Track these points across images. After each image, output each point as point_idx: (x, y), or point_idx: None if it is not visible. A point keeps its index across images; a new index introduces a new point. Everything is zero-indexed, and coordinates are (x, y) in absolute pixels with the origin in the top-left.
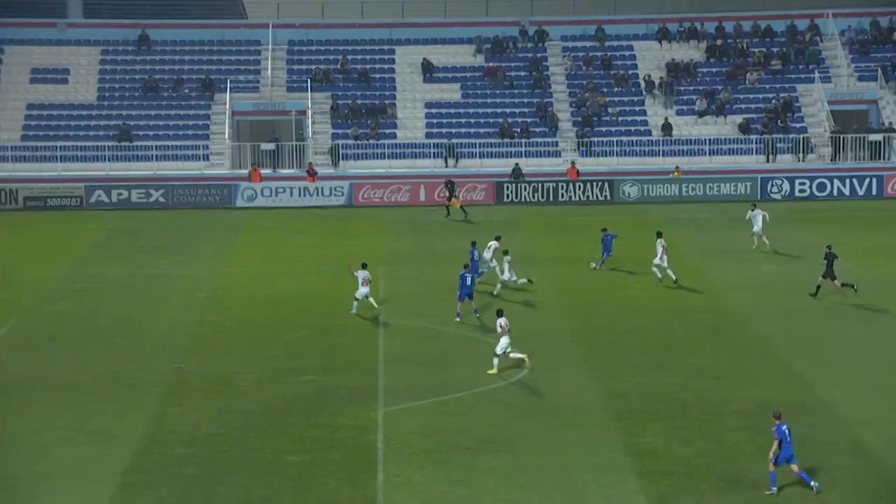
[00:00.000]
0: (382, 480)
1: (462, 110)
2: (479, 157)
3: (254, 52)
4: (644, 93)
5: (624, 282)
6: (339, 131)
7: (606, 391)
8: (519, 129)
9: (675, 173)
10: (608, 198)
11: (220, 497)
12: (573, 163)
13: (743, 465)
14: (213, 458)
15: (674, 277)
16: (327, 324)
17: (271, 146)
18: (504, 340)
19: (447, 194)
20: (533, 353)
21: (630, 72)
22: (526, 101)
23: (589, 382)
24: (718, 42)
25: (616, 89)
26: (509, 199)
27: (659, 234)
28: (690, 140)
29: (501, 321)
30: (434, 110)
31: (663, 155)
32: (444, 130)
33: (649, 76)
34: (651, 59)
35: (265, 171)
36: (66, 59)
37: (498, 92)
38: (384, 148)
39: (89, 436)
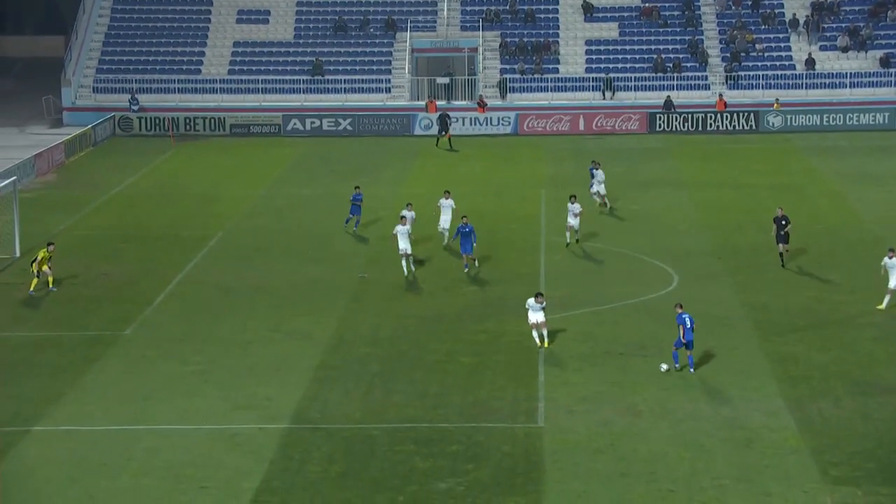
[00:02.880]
0: (543, 380)
1: (619, 47)
2: (634, 90)
3: None
4: (789, 30)
5: (766, 203)
6: (507, 66)
7: (748, 303)
8: (671, 65)
9: (776, 105)
10: (753, 127)
11: (399, 392)
12: (721, 95)
13: (877, 372)
14: (393, 357)
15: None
16: (494, 240)
17: (446, 80)
18: None
19: (440, 128)
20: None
21: (777, 10)
22: (678, 38)
23: (732, 295)
24: None
25: (763, 27)
26: (661, 129)
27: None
28: (832, 74)
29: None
30: (593, 47)
31: (806, 88)
32: (602, 66)
33: (795, 15)
34: None
35: (440, 103)
36: (267, 1)
37: (653, 30)
38: (547, 82)
39: (286, 335)
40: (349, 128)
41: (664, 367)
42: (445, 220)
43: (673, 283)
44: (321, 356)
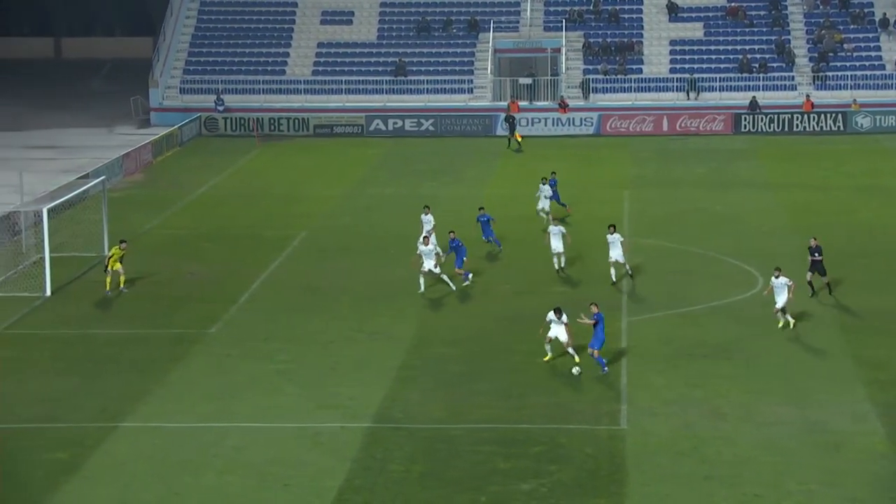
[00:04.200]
0: (626, 382)
1: (704, 47)
2: (719, 90)
3: None
4: (879, 30)
5: (853, 206)
6: (590, 67)
7: (836, 306)
8: (757, 65)
9: (854, 106)
10: (841, 128)
11: (480, 392)
12: (808, 96)
13: None
14: (474, 358)
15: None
16: (576, 241)
17: (528, 80)
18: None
19: (508, 128)
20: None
21: (866, 10)
22: (765, 38)
23: (819, 299)
24: None
25: (852, 26)
26: (746, 130)
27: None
28: None
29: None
30: (678, 47)
31: None
32: (686, 66)
33: (885, 14)
34: None
35: (522, 103)
36: (351, 2)
37: (738, 30)
38: (631, 82)
39: (368, 335)
40: (431, 128)
41: (576, 370)
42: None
43: (757, 284)
44: (403, 356)
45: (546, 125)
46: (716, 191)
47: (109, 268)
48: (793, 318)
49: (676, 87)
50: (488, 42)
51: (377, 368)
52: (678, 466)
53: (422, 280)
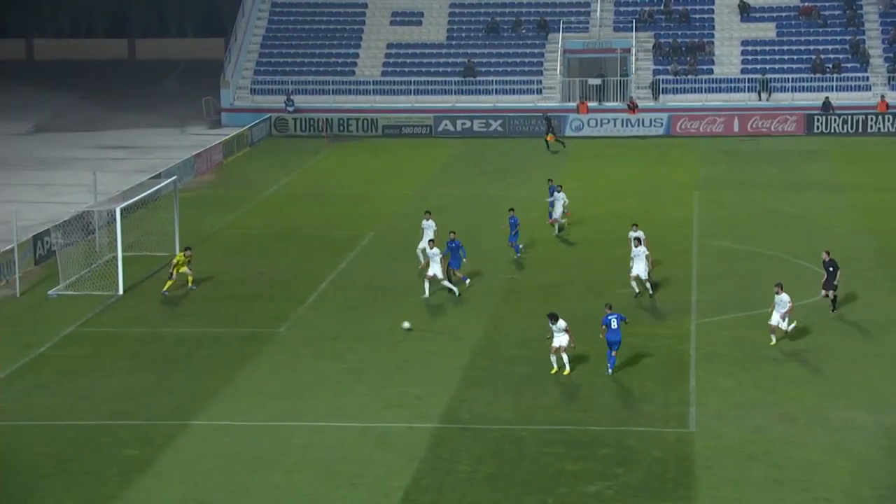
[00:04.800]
0: (695, 385)
1: (776, 47)
2: (791, 91)
3: None
4: None
5: None
6: (660, 67)
7: None
8: (830, 65)
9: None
10: None
11: (548, 394)
12: (883, 96)
13: None
14: (541, 359)
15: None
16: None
17: (598, 81)
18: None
19: (546, 129)
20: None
21: None
22: (838, 38)
23: (892, 300)
24: None
25: None
26: (819, 131)
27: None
28: None
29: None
30: (749, 47)
31: None
32: (758, 66)
33: None
34: None
35: (591, 104)
36: (421, 3)
37: (811, 30)
38: (701, 83)
39: (435, 335)
40: (500, 129)
41: (406, 324)
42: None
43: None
44: (470, 356)
45: (615, 126)
46: (787, 192)
47: (174, 271)
48: (783, 334)
49: (748, 87)
50: (558, 42)
51: (445, 369)
52: (748, 470)
53: (427, 285)
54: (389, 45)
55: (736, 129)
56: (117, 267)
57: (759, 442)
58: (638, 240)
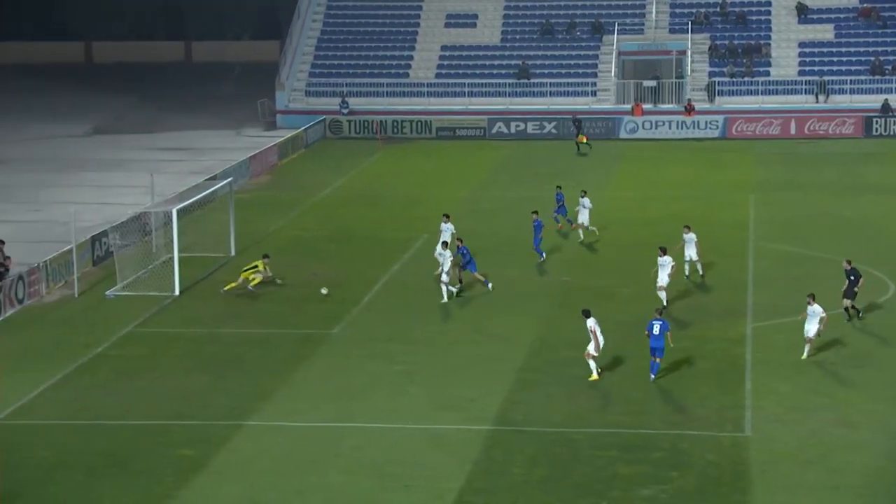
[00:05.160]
0: (750, 388)
1: (834, 49)
2: (850, 93)
3: None
4: None
5: None
6: (716, 69)
7: None
8: (890, 67)
9: None
10: None
11: (601, 397)
12: None
13: None
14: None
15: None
16: (701, 245)
17: (653, 83)
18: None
19: (575, 131)
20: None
21: None
22: None
23: None
24: None
25: None
26: (878, 133)
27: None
28: None
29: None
30: (807, 49)
31: None
32: (815, 68)
33: None
34: None
35: (646, 106)
36: (475, 5)
37: (871, 31)
38: (758, 85)
39: (488, 337)
40: (553, 131)
41: (324, 290)
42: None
43: (889, 291)
44: (523, 359)
45: (670, 128)
46: (845, 195)
47: (243, 277)
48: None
49: (805, 89)
50: (612, 44)
51: (498, 370)
52: (805, 475)
53: (444, 289)
54: (444, 48)
55: (793, 131)
56: (174, 268)
57: (816, 446)
58: (664, 249)
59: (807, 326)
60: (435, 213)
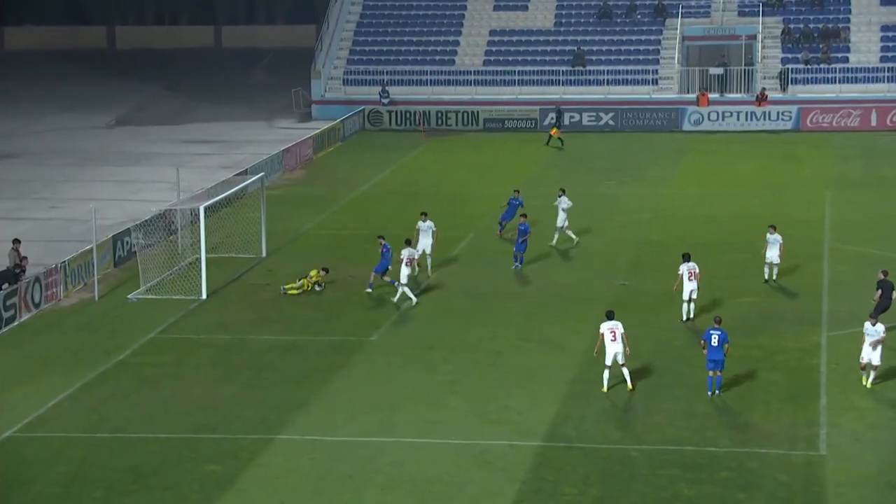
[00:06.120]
0: (825, 404)
1: None
2: None
3: None
4: None
5: None
6: (789, 55)
7: None
8: None
9: None
10: None
11: (661, 411)
12: None
13: None
14: (655, 372)
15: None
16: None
17: (720, 70)
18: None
19: (553, 121)
20: None
21: None
22: None
23: None
24: None
25: None
26: None
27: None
28: None
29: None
30: (891, 33)
31: None
32: None
33: None
34: None
35: (712, 96)
36: None
37: None
38: (835, 72)
39: (538, 345)
40: (611, 122)
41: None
42: (426, 245)
43: None
44: (576, 369)
45: (739, 119)
46: None
47: (300, 285)
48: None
49: (887, 77)
50: (676, 29)
51: (548, 382)
52: (886, 498)
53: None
54: (492, 32)
55: (874, 123)
56: (200, 269)
57: None
58: (687, 255)
59: (864, 348)
60: (481, 212)
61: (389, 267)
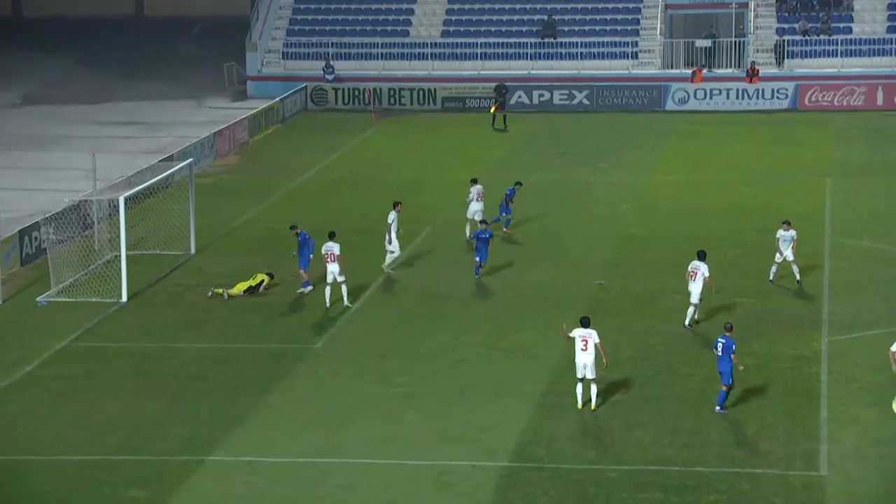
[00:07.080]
0: (826, 417)
1: None
2: None
3: None
4: None
5: None
6: (785, 26)
7: None
8: None
9: None
10: None
11: (643, 426)
12: None
13: None
14: (638, 383)
15: None
16: (764, 241)
17: (707, 43)
18: None
19: (496, 101)
20: None
21: None
22: None
23: None
24: None
25: None
26: None
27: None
28: None
29: None
30: None
31: None
32: None
33: None
34: None
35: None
36: None
37: None
38: (836, 44)
39: (506, 353)
40: (585, 101)
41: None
42: (394, 246)
43: None
44: (548, 380)
45: (729, 98)
46: None
47: (244, 288)
48: None
49: (895, 50)
50: None
51: (516, 394)
52: None
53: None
54: (451, 0)
55: (879, 101)
56: (120, 269)
57: None
58: (702, 252)
59: None
60: (441, 202)
61: (311, 256)
